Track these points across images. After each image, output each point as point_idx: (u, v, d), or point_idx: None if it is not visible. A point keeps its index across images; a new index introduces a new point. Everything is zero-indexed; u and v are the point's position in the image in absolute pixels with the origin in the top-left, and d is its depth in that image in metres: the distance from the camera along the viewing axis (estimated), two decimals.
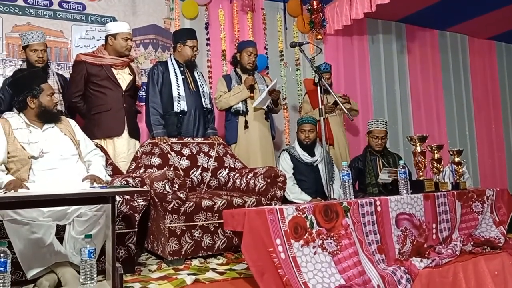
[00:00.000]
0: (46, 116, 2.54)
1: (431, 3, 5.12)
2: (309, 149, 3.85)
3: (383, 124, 4.01)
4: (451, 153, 3.24)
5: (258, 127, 3.91)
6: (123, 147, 3.39)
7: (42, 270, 2.18)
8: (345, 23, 4.96)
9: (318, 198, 3.63)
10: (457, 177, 3.14)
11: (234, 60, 4.09)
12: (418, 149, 2.98)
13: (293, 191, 3.69)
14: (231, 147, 3.89)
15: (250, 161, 3.77)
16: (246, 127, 3.87)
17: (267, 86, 3.98)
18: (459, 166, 3.17)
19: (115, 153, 3.35)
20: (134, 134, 3.53)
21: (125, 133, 3.43)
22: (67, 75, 3.65)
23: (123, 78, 3.48)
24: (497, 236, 2.93)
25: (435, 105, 5.95)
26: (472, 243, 2.84)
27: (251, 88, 3.88)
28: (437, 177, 3.03)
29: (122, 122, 3.41)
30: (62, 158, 2.47)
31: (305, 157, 3.83)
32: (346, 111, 3.16)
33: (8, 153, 2.40)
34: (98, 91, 3.41)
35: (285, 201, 3.57)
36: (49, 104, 2.55)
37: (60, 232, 2.29)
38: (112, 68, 3.44)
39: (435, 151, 3.07)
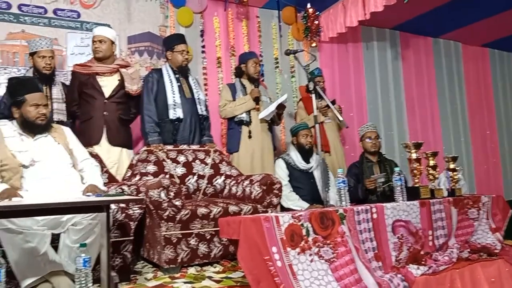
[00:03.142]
0: (28, 127, 2.48)
1: (424, 11, 5.16)
2: (308, 154, 3.86)
3: (372, 126, 4.06)
4: (446, 159, 3.25)
5: (261, 137, 3.94)
6: (102, 156, 3.33)
7: (37, 279, 2.17)
8: (339, 31, 4.98)
9: (315, 205, 3.62)
10: (453, 183, 3.15)
11: (239, 71, 4.12)
12: (414, 156, 2.98)
13: (291, 198, 3.68)
14: (232, 155, 3.91)
15: (251, 170, 3.77)
16: (249, 137, 3.89)
17: (269, 97, 4.07)
18: (455, 173, 3.18)
19: None
20: (119, 142, 3.49)
21: (104, 141, 3.41)
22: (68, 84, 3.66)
23: (109, 85, 3.49)
24: (493, 243, 2.93)
25: (429, 111, 5.98)
26: (468, 249, 2.83)
27: (257, 100, 3.92)
28: (433, 184, 3.03)
29: (100, 130, 3.41)
30: (54, 167, 2.44)
31: (301, 164, 3.83)
32: (339, 116, 3.17)
33: (0, 161, 2.37)
34: (85, 100, 3.48)
35: (283, 208, 3.57)
36: (30, 115, 2.46)
37: (55, 241, 2.27)
38: (97, 76, 3.47)
39: (430, 158, 3.07)
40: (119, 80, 3.53)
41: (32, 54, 3.35)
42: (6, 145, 2.40)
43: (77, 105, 3.49)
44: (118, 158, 3.46)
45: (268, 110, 3.89)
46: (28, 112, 2.46)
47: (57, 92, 3.36)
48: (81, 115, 3.50)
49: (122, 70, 3.56)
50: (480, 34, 6.05)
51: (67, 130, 2.71)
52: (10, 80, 2.79)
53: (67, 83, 3.64)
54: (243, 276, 2.36)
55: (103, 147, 3.41)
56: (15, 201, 2.14)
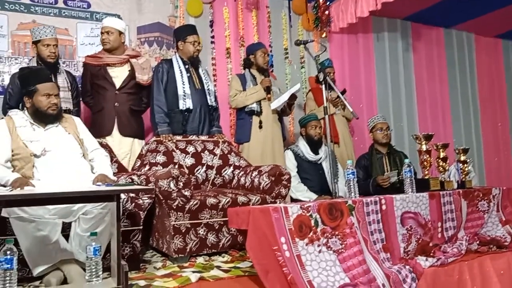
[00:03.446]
0: (39, 117, 2.50)
1: (437, 1, 5.09)
2: (317, 145, 3.85)
3: (383, 118, 4.04)
4: (457, 151, 3.23)
5: (271, 128, 3.94)
6: (113, 147, 3.35)
7: (48, 267, 2.20)
8: (350, 21, 4.94)
9: (323, 196, 3.62)
10: (463, 175, 3.13)
11: (247, 62, 4.11)
12: (424, 147, 2.97)
13: (299, 189, 3.69)
14: (243, 146, 3.92)
15: (262, 161, 3.76)
16: (260, 127, 3.89)
17: (279, 88, 4.07)
18: (465, 165, 3.16)
19: None
20: (130, 132, 3.51)
21: (115, 132, 3.44)
22: (73, 73, 3.68)
23: (120, 76, 3.49)
24: (503, 235, 2.91)
25: (440, 103, 5.92)
26: (478, 242, 2.82)
27: (268, 90, 3.92)
28: (443, 175, 3.01)
29: (112, 121, 3.44)
30: (65, 157, 2.46)
31: (309, 155, 3.83)
32: (349, 106, 3.14)
33: (12, 150, 2.40)
34: (97, 92, 3.51)
35: (292, 200, 3.58)
36: (41, 105, 2.47)
37: (66, 230, 2.30)
38: (108, 67, 3.48)
39: (441, 150, 3.05)
40: (129, 70, 3.53)
41: (35, 43, 3.30)
42: (18, 134, 2.43)
43: (90, 96, 3.53)
44: (130, 149, 3.49)
45: (280, 100, 3.88)
46: (40, 102, 2.48)
47: (62, 80, 3.34)
48: (93, 106, 3.54)
49: (133, 60, 3.56)
50: (493, 25, 5.94)
51: (77, 120, 2.74)
52: (22, 70, 2.82)
53: (77, 73, 3.66)
54: (252, 266, 2.37)
55: (115, 138, 3.44)
56: (27, 190, 2.17)
